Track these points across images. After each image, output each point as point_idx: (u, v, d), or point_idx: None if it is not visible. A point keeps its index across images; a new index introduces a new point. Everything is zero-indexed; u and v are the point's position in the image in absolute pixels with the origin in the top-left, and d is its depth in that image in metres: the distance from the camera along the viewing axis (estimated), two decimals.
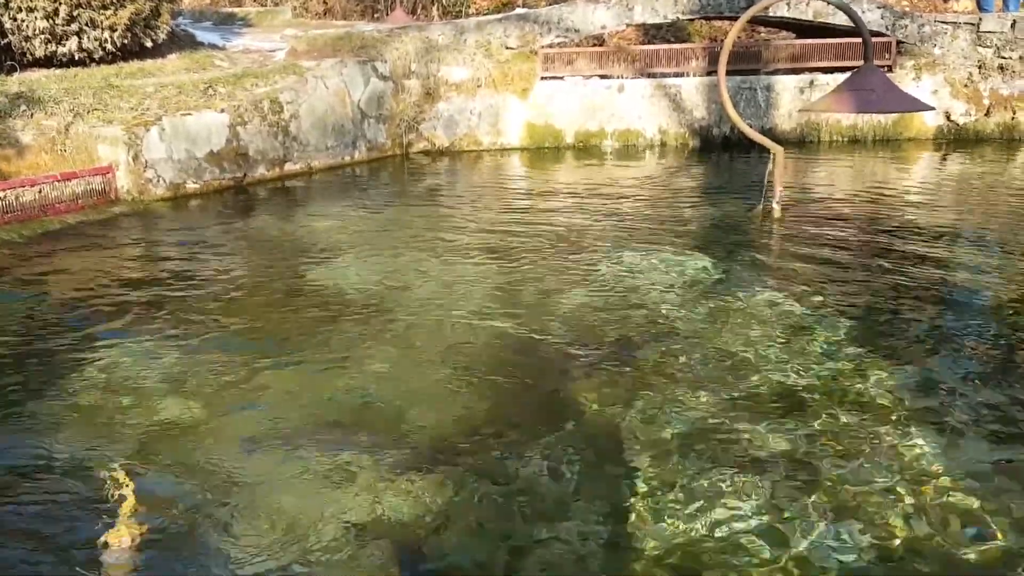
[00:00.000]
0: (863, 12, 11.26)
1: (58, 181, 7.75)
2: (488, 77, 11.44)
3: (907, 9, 15.04)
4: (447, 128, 11.54)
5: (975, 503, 3.20)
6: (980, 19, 11.96)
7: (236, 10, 15.88)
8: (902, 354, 4.54)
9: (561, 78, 11.64)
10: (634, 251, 6.45)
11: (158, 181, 8.41)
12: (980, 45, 11.68)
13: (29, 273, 6.20)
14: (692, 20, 13.00)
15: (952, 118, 11.63)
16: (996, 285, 5.62)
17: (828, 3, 7.98)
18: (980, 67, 11.62)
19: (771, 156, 7.46)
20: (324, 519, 3.17)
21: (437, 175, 10.33)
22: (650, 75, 11.64)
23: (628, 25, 12.10)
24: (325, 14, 17.70)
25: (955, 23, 11.99)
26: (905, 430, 3.75)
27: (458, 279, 5.91)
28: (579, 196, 8.67)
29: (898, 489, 3.31)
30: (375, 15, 17.45)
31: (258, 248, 6.93)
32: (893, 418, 3.85)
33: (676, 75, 11.67)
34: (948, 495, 3.28)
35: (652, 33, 15.07)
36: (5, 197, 7.38)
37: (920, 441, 3.66)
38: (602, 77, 11.66)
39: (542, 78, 11.55)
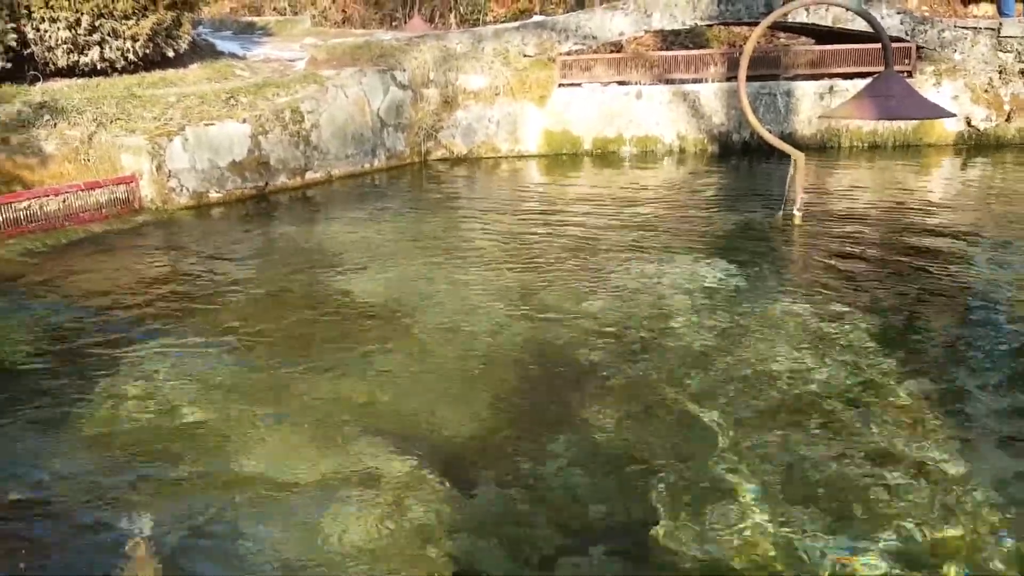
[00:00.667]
0: (882, 18, 11.21)
1: (82, 190, 7.83)
2: (506, 85, 11.46)
3: (927, 14, 14.97)
4: (465, 136, 11.57)
5: (1000, 509, 3.19)
6: (1000, 24, 11.88)
7: (256, 19, 15.99)
8: (925, 362, 4.52)
9: (579, 85, 11.64)
10: (653, 258, 6.44)
11: (181, 190, 8.48)
12: (1001, 50, 11.60)
13: (53, 282, 6.26)
14: (711, 26, 12.99)
15: (973, 124, 11.55)
16: (1019, 292, 5.57)
17: (848, 9, 7.95)
18: (1001, 72, 11.54)
19: (792, 162, 7.43)
20: (347, 522, 3.19)
21: (455, 183, 10.35)
22: (668, 81, 11.63)
23: (646, 31, 12.10)
24: (344, 23, 17.81)
25: (975, 28, 11.91)
26: (929, 437, 3.73)
27: (477, 286, 5.92)
28: (597, 203, 8.67)
29: (923, 496, 3.30)
30: (393, 23, 17.54)
31: (280, 256, 6.97)
32: (917, 425, 3.83)
33: (695, 81, 11.65)
34: (973, 501, 3.26)
35: (670, 39, 15.06)
36: (30, 206, 7.47)
37: (945, 448, 3.64)
38: (620, 83, 11.66)
39: (560, 85, 11.56)
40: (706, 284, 5.84)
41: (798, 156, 7.40)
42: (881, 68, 7.10)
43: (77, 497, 3.44)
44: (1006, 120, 11.57)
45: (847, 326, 5.01)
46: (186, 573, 2.98)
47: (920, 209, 8.18)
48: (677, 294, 5.64)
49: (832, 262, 6.32)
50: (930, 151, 11.35)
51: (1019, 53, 11.52)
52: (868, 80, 7.39)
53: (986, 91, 11.55)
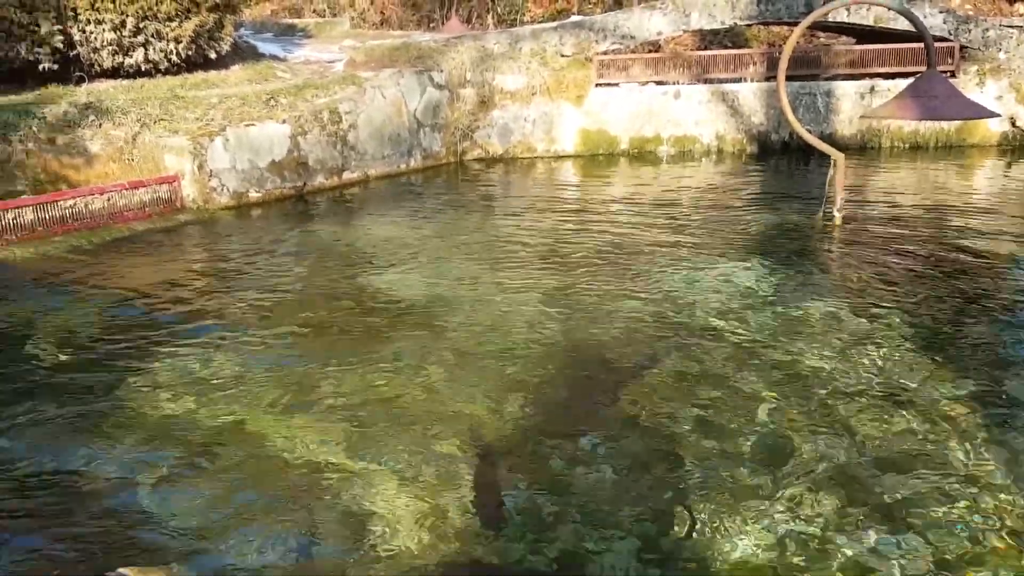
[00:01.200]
0: (925, 17, 11.04)
1: (126, 189, 7.97)
2: (543, 85, 11.47)
3: (971, 13, 14.72)
4: (501, 136, 11.60)
5: None
6: None
7: (296, 21, 16.17)
8: (967, 366, 4.44)
9: (616, 85, 11.62)
10: (690, 258, 6.41)
11: (222, 190, 8.60)
12: None
13: (99, 278, 6.38)
14: (750, 25, 12.89)
15: (1018, 124, 11.33)
16: None
17: (890, 8, 7.85)
18: None
19: (832, 163, 7.35)
20: (386, 517, 3.23)
21: (491, 183, 10.38)
22: (707, 81, 11.56)
23: (684, 31, 12.04)
24: (382, 24, 17.94)
25: (1021, 27, 11.69)
26: (969, 442, 3.68)
27: (513, 286, 5.94)
28: (634, 203, 8.65)
29: (961, 501, 3.26)
30: (431, 24, 17.63)
31: (318, 255, 7.04)
32: (956, 430, 3.78)
33: (734, 80, 11.56)
34: (1013, 507, 3.22)
35: (709, 38, 14.98)
36: (75, 205, 7.62)
37: (984, 453, 3.59)
38: (658, 83, 11.62)
39: (597, 85, 11.55)
40: (744, 285, 5.79)
41: (838, 156, 7.33)
42: (923, 68, 6.99)
43: (116, 480, 3.51)
44: None
45: (887, 328, 4.95)
46: (230, 561, 3.03)
47: (962, 211, 8.05)
48: (714, 294, 5.60)
49: (872, 263, 6.24)
50: (973, 152, 11.16)
51: None
52: (910, 80, 7.30)
53: None
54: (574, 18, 13.66)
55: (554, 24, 12.64)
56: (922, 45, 7.15)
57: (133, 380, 4.51)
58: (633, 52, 12.05)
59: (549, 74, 11.50)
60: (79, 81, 9.61)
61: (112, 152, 8.34)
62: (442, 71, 11.16)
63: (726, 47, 14.15)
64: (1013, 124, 11.38)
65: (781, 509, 3.24)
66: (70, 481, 3.58)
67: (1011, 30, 11.56)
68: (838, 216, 7.30)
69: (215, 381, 4.49)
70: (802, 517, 3.19)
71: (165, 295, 5.94)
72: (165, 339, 5.08)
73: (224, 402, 4.23)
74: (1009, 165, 10.55)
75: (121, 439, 3.90)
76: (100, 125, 8.45)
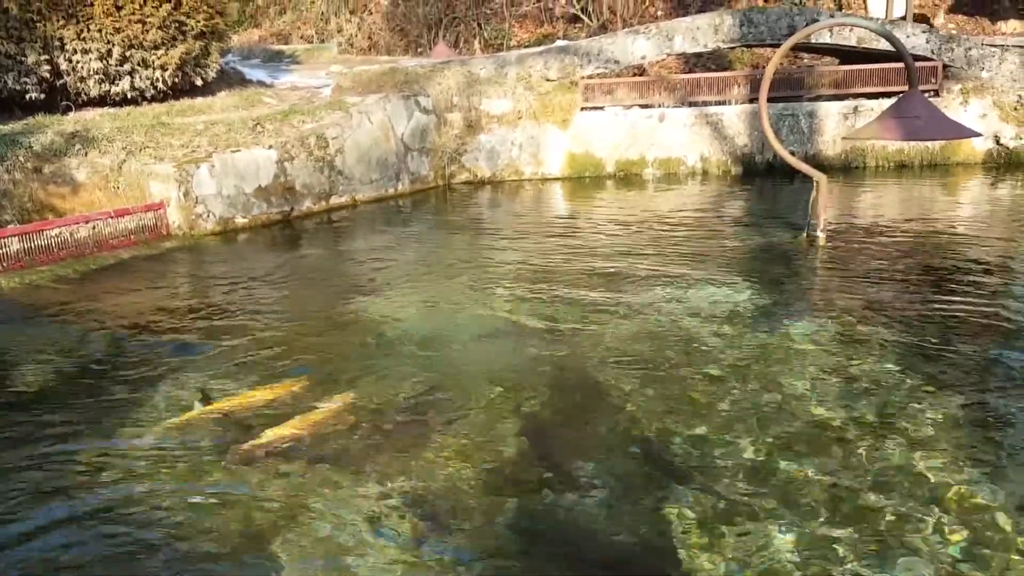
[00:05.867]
0: (908, 36, 11.17)
1: (112, 218, 7.97)
2: (529, 109, 11.55)
3: (954, 32, 14.88)
4: (489, 159, 11.65)
5: None
6: None
7: (284, 47, 16.25)
8: (950, 386, 4.45)
9: (602, 108, 11.69)
10: (677, 281, 6.43)
11: (208, 216, 8.60)
12: None
13: (84, 308, 6.36)
14: (733, 48, 12.99)
15: (1002, 142, 11.43)
16: None
17: (871, 31, 7.92)
18: None
19: (814, 184, 7.39)
20: (368, 543, 3.21)
21: (479, 206, 10.41)
22: (692, 103, 11.64)
23: (668, 55, 12.13)
24: (370, 49, 18.05)
25: (1003, 46, 11.82)
26: (954, 463, 3.68)
27: (501, 310, 5.94)
28: (621, 225, 8.67)
29: (947, 523, 3.26)
30: (419, 50, 17.74)
31: (305, 280, 7.04)
32: (941, 451, 3.78)
33: (718, 103, 11.65)
34: (998, 529, 3.21)
35: (693, 61, 15.10)
36: (60, 234, 7.61)
37: (969, 473, 3.59)
38: (643, 106, 11.69)
39: (582, 108, 11.62)
40: (730, 307, 5.80)
41: (820, 178, 7.37)
42: (906, 87, 7.05)
43: (92, 532, 3.48)
44: None
45: (872, 349, 4.96)
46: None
47: (947, 230, 8.10)
48: (701, 317, 5.61)
49: (856, 284, 6.26)
50: (958, 170, 11.23)
51: None
52: (893, 99, 7.37)
53: (1015, 109, 11.43)
54: (559, 43, 13.76)
55: (540, 49, 12.73)
56: (904, 65, 7.22)
57: (113, 409, 4.49)
58: (618, 76, 12.13)
59: (535, 98, 11.57)
60: (66, 110, 9.64)
61: (98, 180, 8.35)
62: (429, 96, 11.23)
63: (710, 70, 14.26)
64: (997, 142, 11.47)
65: (771, 534, 3.22)
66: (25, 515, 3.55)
67: (993, 49, 11.68)
68: (822, 236, 7.34)
69: (196, 411, 4.46)
70: (791, 541, 3.18)
71: (147, 324, 5.92)
72: (146, 368, 5.06)
73: (206, 431, 4.21)
74: (994, 183, 10.62)
75: (98, 476, 3.87)
76: (86, 154, 8.46)
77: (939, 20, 16.38)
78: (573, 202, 10.58)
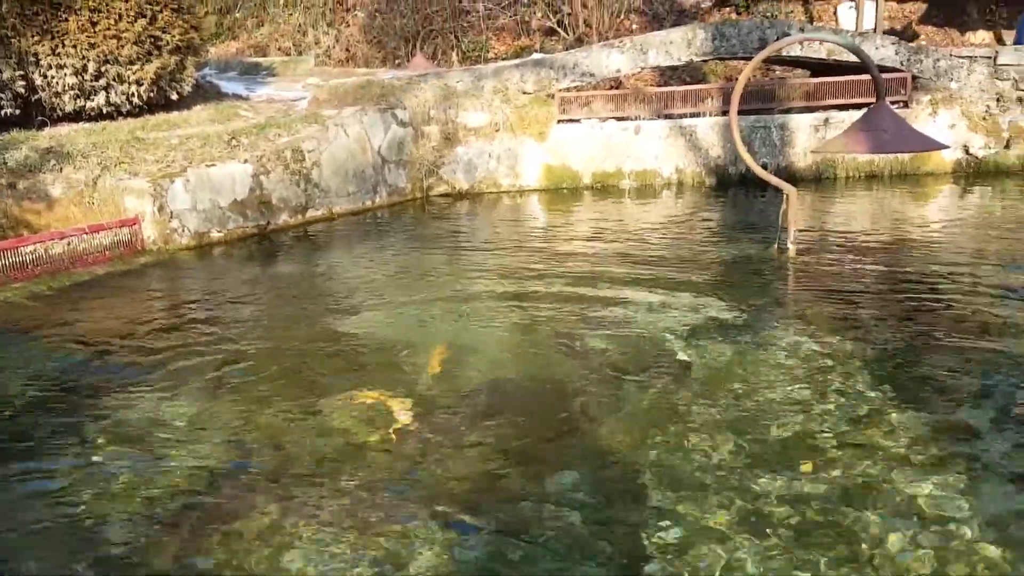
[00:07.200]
0: (877, 48, 11.34)
1: (86, 233, 7.96)
2: (506, 121, 11.62)
3: (922, 44, 15.10)
4: (466, 172, 11.71)
5: (998, 550, 3.20)
6: (996, 52, 11.99)
7: (260, 60, 16.26)
8: (921, 398, 4.52)
9: (578, 121, 11.79)
10: (651, 293, 6.50)
11: (183, 231, 8.61)
12: (998, 78, 11.69)
13: (59, 325, 6.36)
14: (706, 61, 13.13)
15: (971, 152, 11.62)
16: (1018, 325, 5.57)
17: (838, 44, 8.05)
18: (998, 100, 11.62)
19: (784, 197, 7.50)
20: (344, 563, 3.24)
21: (457, 218, 10.46)
22: (667, 116, 11.76)
23: (643, 68, 12.24)
24: (347, 61, 18.07)
25: (971, 57, 12.02)
26: (926, 476, 3.73)
27: (478, 323, 5.99)
28: (597, 238, 8.75)
29: (920, 537, 3.31)
30: (396, 61, 17.78)
31: (281, 296, 7.06)
32: (916, 464, 3.84)
33: (692, 115, 11.77)
34: (971, 542, 3.27)
35: (668, 74, 15.23)
36: (35, 250, 7.60)
37: (941, 487, 3.64)
38: (619, 119, 11.79)
39: (559, 121, 11.71)
40: (703, 319, 5.88)
41: (790, 190, 7.48)
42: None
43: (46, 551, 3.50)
44: (1005, 147, 11.62)
45: (842, 361, 5.04)
46: None
47: (918, 239, 8.23)
48: (674, 329, 5.68)
49: (826, 296, 6.36)
50: (928, 180, 11.41)
51: (1016, 81, 11.61)
52: (863, 111, 7.49)
53: (984, 119, 11.63)
54: (535, 56, 13.85)
55: (516, 62, 12.81)
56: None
57: (84, 428, 4.50)
58: (594, 89, 12.23)
59: (512, 111, 11.65)
60: (41, 126, 9.62)
61: (73, 196, 8.34)
62: (406, 109, 11.28)
63: (685, 82, 14.40)
64: (966, 152, 11.66)
65: (745, 550, 3.27)
66: None
67: (962, 60, 11.88)
68: (792, 248, 7.44)
69: (170, 427, 4.48)
70: (762, 555, 3.22)
71: (122, 340, 5.93)
72: (120, 386, 5.07)
73: (178, 449, 4.23)
74: (963, 192, 10.80)
75: (67, 494, 3.88)
76: (61, 169, 8.45)
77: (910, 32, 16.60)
78: (550, 214, 10.65)
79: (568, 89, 11.86)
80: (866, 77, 11.12)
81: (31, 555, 3.42)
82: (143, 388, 5.04)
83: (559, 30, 17.56)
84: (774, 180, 7.82)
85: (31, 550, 3.45)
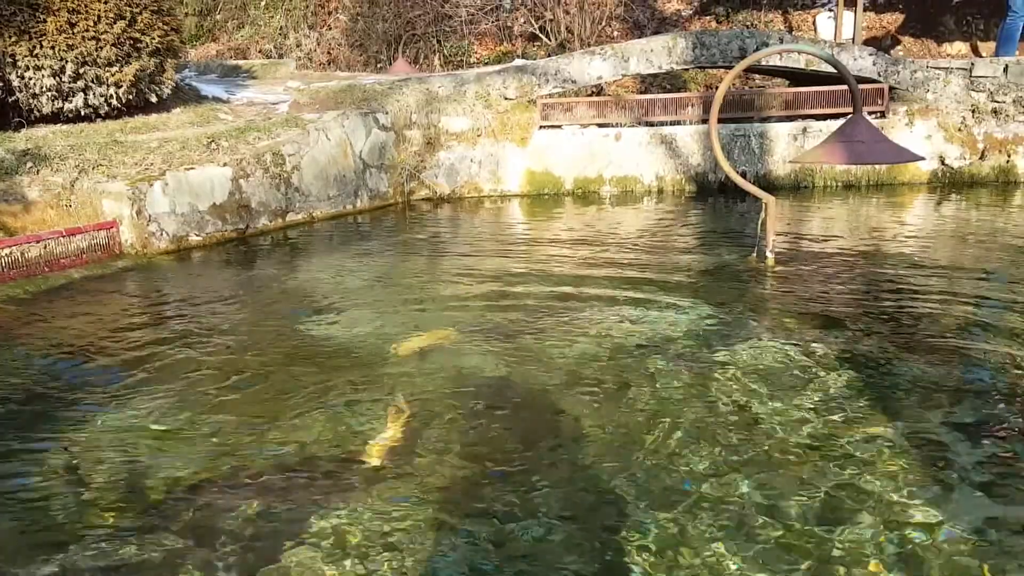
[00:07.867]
0: (855, 59, 11.46)
1: (63, 236, 7.89)
2: (488, 126, 11.64)
3: (900, 55, 15.27)
4: (448, 176, 11.72)
5: (975, 560, 3.23)
6: (972, 64, 12.15)
7: (241, 62, 16.17)
8: (898, 407, 4.56)
9: (559, 127, 11.83)
10: (631, 301, 6.53)
11: (161, 234, 8.55)
12: (973, 89, 11.84)
13: (33, 329, 6.30)
14: (687, 69, 13.22)
15: (947, 162, 11.75)
16: (995, 334, 5.64)
17: (816, 56, 8.13)
18: (974, 111, 11.77)
19: (763, 205, 7.56)
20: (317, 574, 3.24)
21: (438, 223, 10.46)
22: (648, 123, 11.83)
23: (624, 75, 12.30)
24: (329, 64, 18.03)
25: (948, 68, 12.18)
26: (902, 485, 3.77)
27: (457, 329, 5.98)
28: (578, 244, 8.78)
29: (895, 547, 3.34)
30: (378, 65, 17.76)
31: (259, 300, 7.03)
32: (889, 473, 3.87)
33: (673, 123, 11.85)
34: (947, 552, 3.30)
35: (649, 81, 15.31)
36: (11, 253, 7.52)
37: (917, 496, 3.68)
38: (600, 126, 11.85)
39: (541, 127, 11.75)
40: (681, 326, 5.91)
41: (768, 199, 7.53)
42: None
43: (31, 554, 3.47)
44: (980, 158, 11.77)
45: (819, 370, 5.07)
46: None
47: (894, 249, 8.31)
48: (654, 338, 5.70)
49: (804, 304, 6.41)
50: (904, 190, 11.54)
51: (991, 92, 11.76)
52: (840, 121, 7.56)
53: (959, 130, 11.77)
54: (517, 62, 13.88)
55: (498, 68, 12.84)
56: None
57: (58, 434, 4.46)
58: (576, 95, 12.28)
59: (494, 116, 11.67)
60: (18, 127, 9.54)
61: (50, 199, 8.26)
62: (387, 113, 11.28)
63: (666, 90, 14.49)
64: (942, 162, 11.79)
65: (722, 560, 3.28)
66: None
67: (938, 71, 12.03)
68: (771, 257, 7.50)
69: (145, 435, 4.45)
70: (742, 565, 3.24)
71: (97, 345, 5.88)
72: (94, 391, 5.03)
73: (152, 458, 4.20)
74: (939, 202, 10.92)
75: (41, 501, 3.85)
76: (38, 171, 8.38)
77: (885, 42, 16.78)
78: (531, 220, 10.68)
79: (550, 95, 11.91)
80: (843, 87, 11.23)
81: (3, 562, 3.38)
82: (119, 393, 5.00)
83: (541, 36, 17.60)
84: (753, 189, 7.87)
85: (3, 557, 3.42)
